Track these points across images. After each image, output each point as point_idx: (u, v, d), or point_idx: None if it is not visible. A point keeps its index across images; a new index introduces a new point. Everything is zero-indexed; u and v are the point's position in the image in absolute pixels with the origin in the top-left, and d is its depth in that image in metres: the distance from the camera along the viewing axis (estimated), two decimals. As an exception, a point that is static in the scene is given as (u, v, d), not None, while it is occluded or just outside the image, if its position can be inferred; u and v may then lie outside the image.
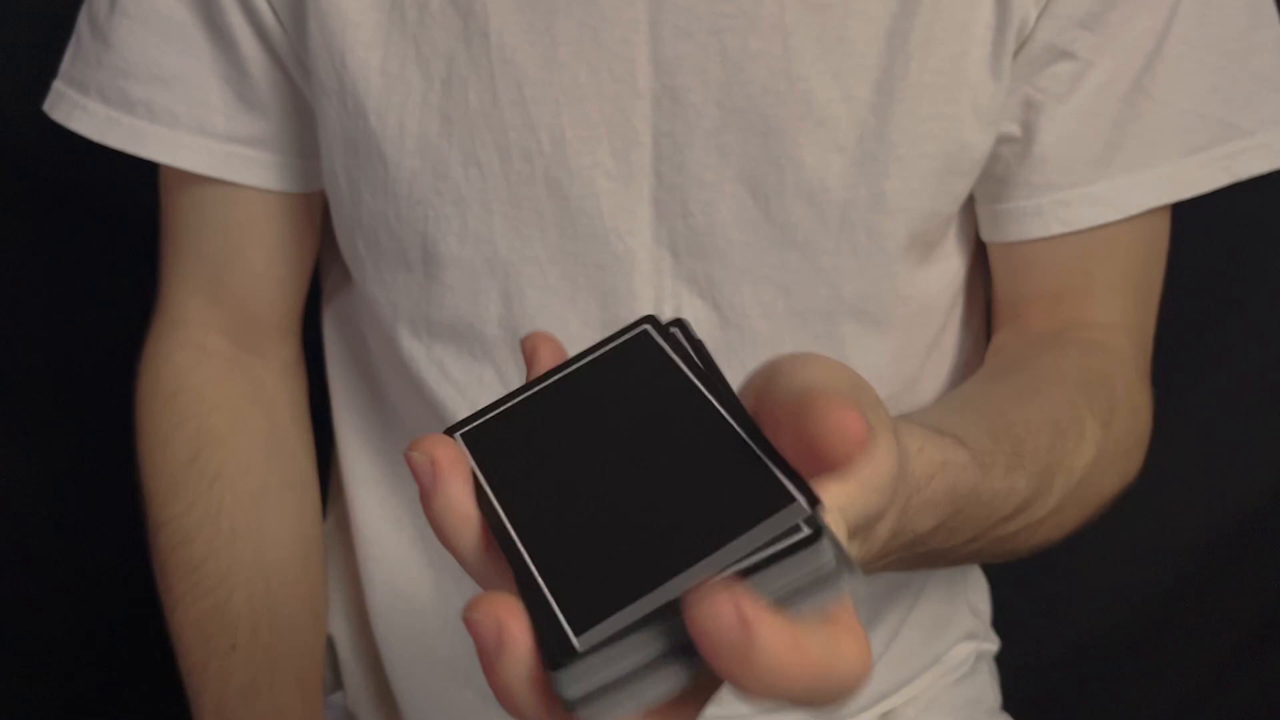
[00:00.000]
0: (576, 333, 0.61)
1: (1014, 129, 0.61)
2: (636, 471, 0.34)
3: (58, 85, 0.67)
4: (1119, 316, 0.64)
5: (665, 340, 0.38)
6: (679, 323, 0.38)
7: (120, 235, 0.89)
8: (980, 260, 0.68)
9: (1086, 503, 0.57)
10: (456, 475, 0.36)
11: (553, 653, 0.31)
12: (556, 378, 0.39)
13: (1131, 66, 0.59)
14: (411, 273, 0.62)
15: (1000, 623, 0.80)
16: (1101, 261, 0.63)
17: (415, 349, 0.64)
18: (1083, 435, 0.56)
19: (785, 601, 0.31)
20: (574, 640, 0.31)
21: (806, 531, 0.30)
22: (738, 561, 0.30)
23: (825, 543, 0.30)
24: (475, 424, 0.39)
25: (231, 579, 0.65)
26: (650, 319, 0.38)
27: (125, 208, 0.83)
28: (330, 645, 0.76)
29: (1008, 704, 0.79)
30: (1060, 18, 0.58)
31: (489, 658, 0.32)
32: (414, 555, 0.71)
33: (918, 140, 0.58)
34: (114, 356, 0.74)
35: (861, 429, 0.32)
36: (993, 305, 0.69)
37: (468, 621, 0.32)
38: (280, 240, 0.68)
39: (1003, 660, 0.80)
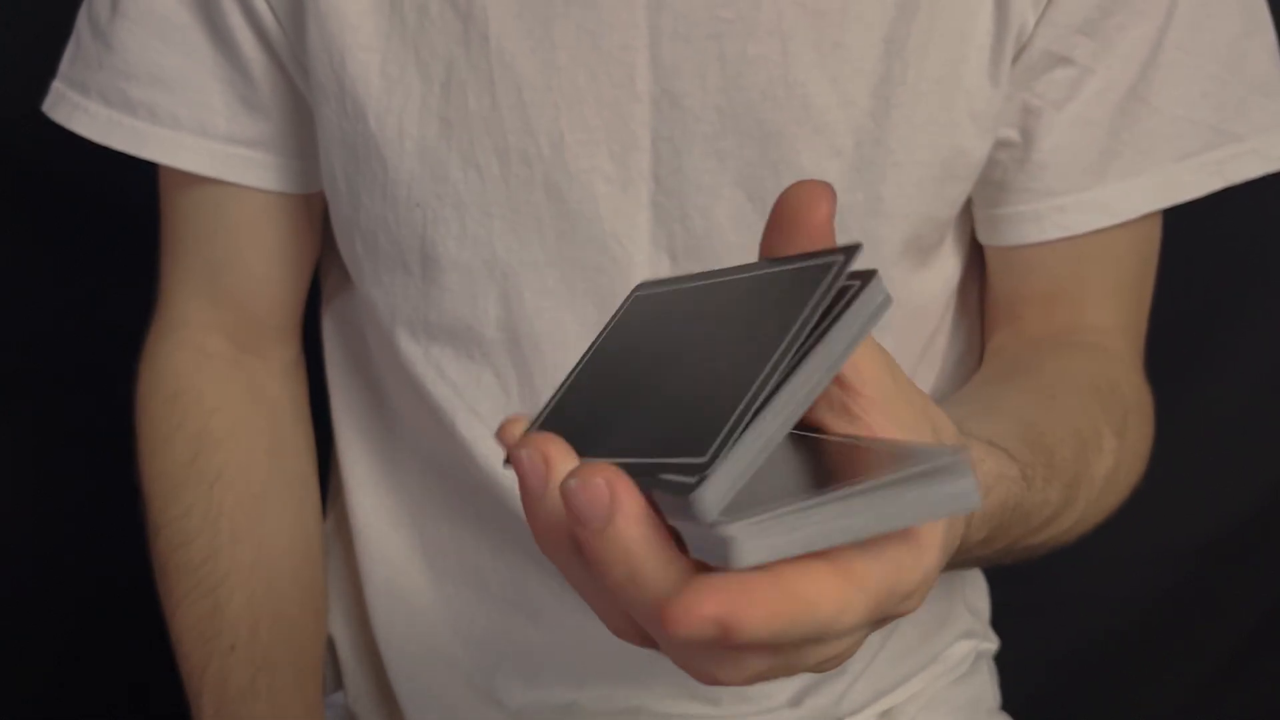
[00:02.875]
0: (574, 335, 0.61)
1: (1013, 135, 0.61)
2: (685, 358, 0.35)
3: (58, 86, 0.67)
4: (1113, 319, 0.65)
5: (837, 290, 0.35)
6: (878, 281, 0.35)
7: (120, 236, 0.89)
8: (973, 261, 0.68)
9: (1102, 510, 0.58)
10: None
11: (684, 472, 0.29)
12: (737, 274, 0.38)
13: (1129, 73, 0.60)
14: (410, 275, 0.62)
15: (1000, 622, 0.80)
16: (1096, 265, 0.64)
17: (413, 351, 0.64)
18: (1101, 446, 0.57)
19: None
20: (699, 458, 0.29)
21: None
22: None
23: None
24: (651, 290, 0.40)
25: (231, 580, 0.65)
26: (848, 268, 0.35)
27: (125, 208, 0.83)
28: (330, 645, 0.76)
29: (1007, 704, 0.79)
30: (1059, 24, 0.58)
31: (598, 524, 0.30)
32: (414, 555, 0.71)
33: (915, 146, 0.58)
34: (114, 357, 0.74)
35: (826, 193, 0.33)
36: (987, 306, 0.69)
37: (564, 491, 0.30)
38: (280, 241, 0.68)
39: (1002, 660, 0.80)
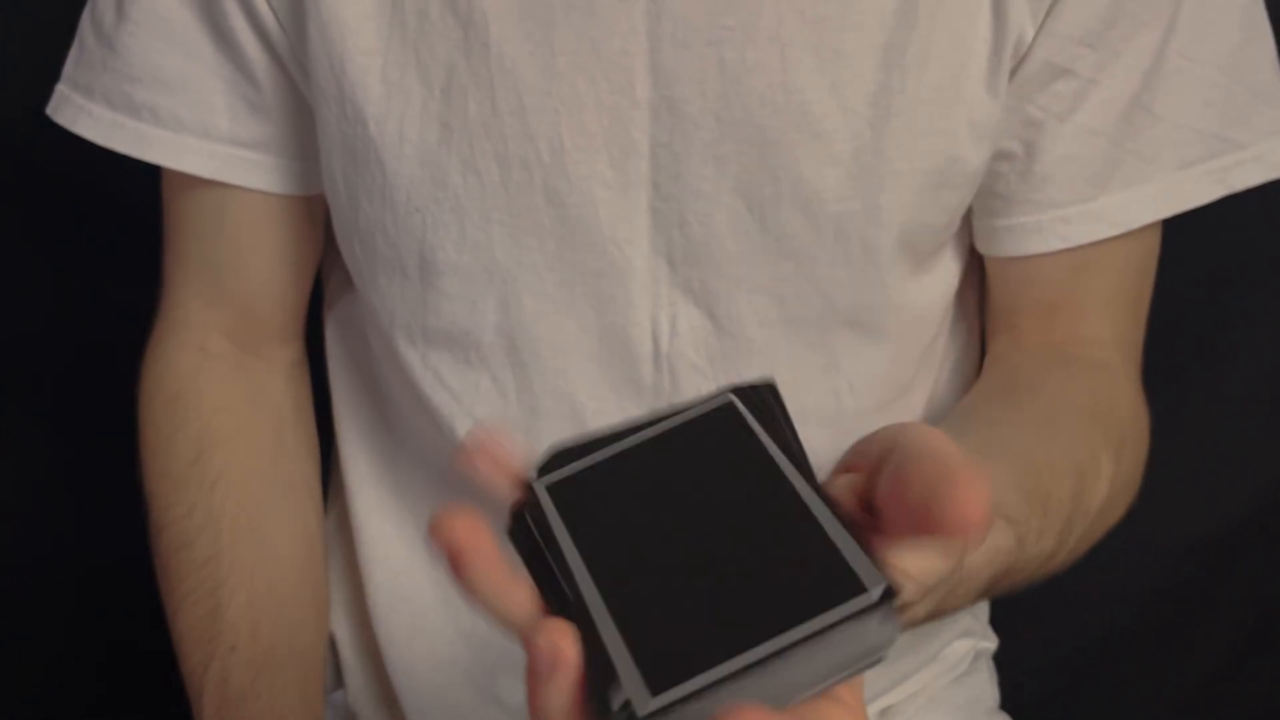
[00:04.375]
0: (574, 340, 0.61)
1: (1015, 147, 0.61)
2: (713, 541, 0.35)
3: (61, 89, 0.67)
4: (1112, 330, 0.65)
5: (749, 408, 0.38)
6: (768, 388, 0.38)
7: (120, 236, 0.89)
8: (972, 268, 0.68)
9: (1095, 536, 0.59)
10: (482, 545, 0.35)
11: (623, 703, 0.31)
12: (638, 438, 0.39)
13: (1132, 82, 0.60)
14: (408, 279, 0.62)
15: (999, 622, 0.80)
16: (1097, 275, 0.64)
17: (411, 355, 0.64)
18: (1099, 475, 0.57)
19: (830, 673, 0.32)
20: (651, 699, 0.31)
21: (878, 612, 0.31)
22: (808, 639, 0.31)
23: (892, 625, 0.31)
24: (556, 475, 0.39)
25: (233, 581, 0.65)
26: (736, 390, 0.38)
27: (125, 208, 0.83)
28: (331, 644, 0.76)
29: (1007, 703, 0.79)
30: (1060, 36, 0.58)
31: (538, 678, 0.33)
32: (415, 555, 0.71)
33: (913, 154, 0.58)
34: (116, 358, 0.74)
35: (984, 514, 0.32)
36: (987, 313, 0.69)
37: (526, 638, 0.33)
38: (282, 243, 0.69)
39: (1002, 659, 0.80)
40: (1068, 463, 0.55)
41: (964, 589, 0.43)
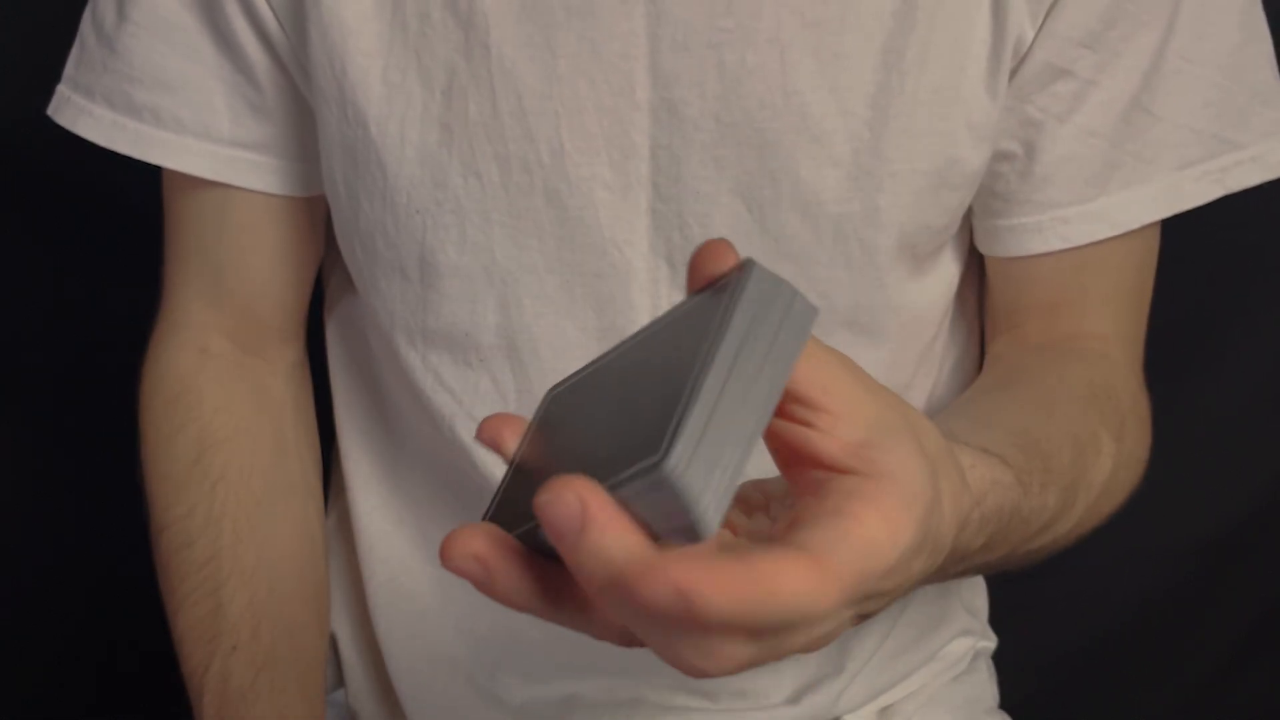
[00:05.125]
0: (574, 341, 0.61)
1: (1015, 147, 0.61)
2: (624, 392, 0.36)
3: (62, 89, 0.67)
4: (1113, 327, 0.65)
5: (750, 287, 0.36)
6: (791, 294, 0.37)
7: (120, 236, 0.89)
8: (971, 268, 0.68)
9: (1100, 514, 0.58)
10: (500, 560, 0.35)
11: (645, 471, 0.31)
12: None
13: (1131, 83, 0.60)
14: (408, 281, 0.62)
15: (999, 621, 0.80)
16: (1097, 274, 0.64)
17: (411, 356, 0.64)
18: (1099, 450, 0.57)
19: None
20: (653, 455, 0.31)
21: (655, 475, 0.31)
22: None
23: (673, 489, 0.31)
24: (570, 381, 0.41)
25: (234, 581, 0.65)
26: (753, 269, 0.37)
27: (125, 208, 0.83)
28: (332, 643, 0.76)
29: (1006, 703, 0.79)
30: (1059, 37, 0.58)
31: (572, 537, 0.31)
32: (415, 555, 0.71)
33: (912, 156, 0.58)
34: (116, 358, 0.74)
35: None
36: (987, 313, 0.69)
37: (539, 508, 0.31)
38: (283, 244, 0.69)
39: (1001, 659, 0.80)
40: (1067, 435, 0.55)
41: (976, 521, 0.43)
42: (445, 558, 0.34)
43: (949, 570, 0.44)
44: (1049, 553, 0.56)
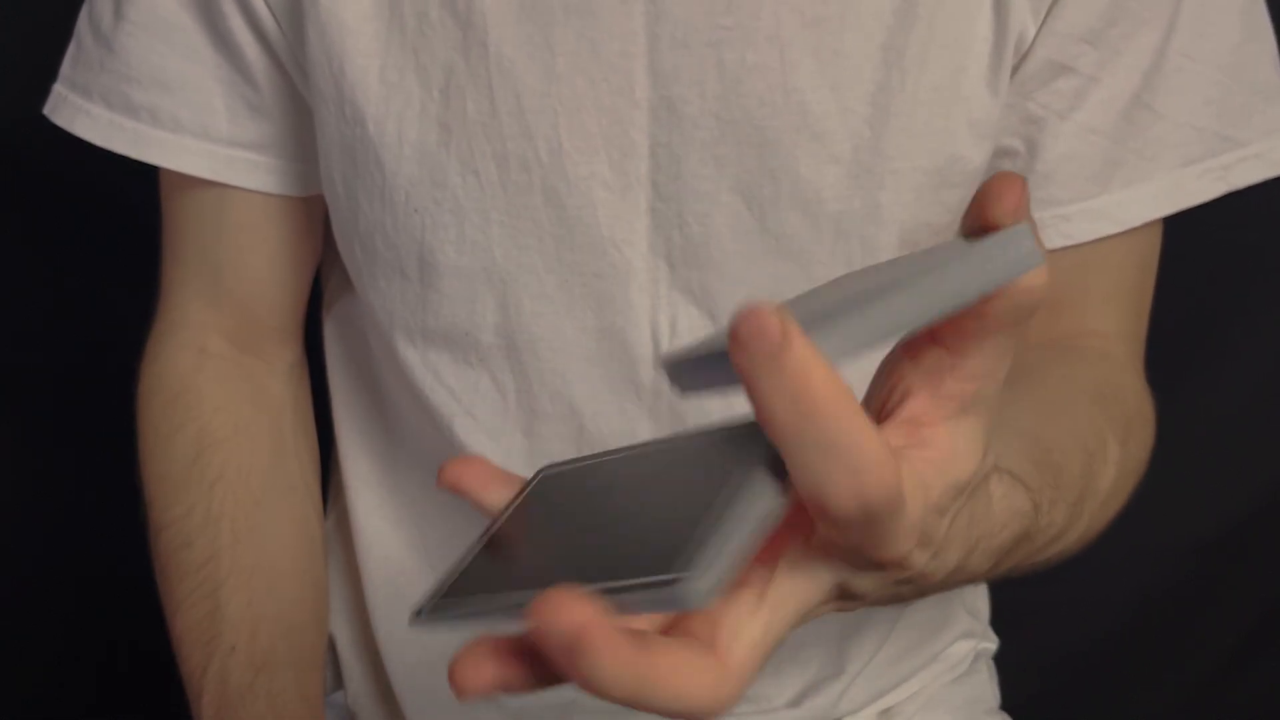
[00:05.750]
0: (573, 340, 0.61)
1: (1016, 144, 0.61)
2: (626, 497, 0.36)
3: (59, 89, 0.67)
4: (1115, 325, 0.65)
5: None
6: None
7: (122, 236, 0.89)
8: None
9: (1105, 519, 0.58)
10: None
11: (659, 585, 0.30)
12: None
13: (1133, 80, 0.60)
14: (407, 280, 0.62)
15: (999, 622, 0.80)
16: (1099, 272, 0.64)
17: (410, 356, 0.64)
18: (1106, 457, 0.56)
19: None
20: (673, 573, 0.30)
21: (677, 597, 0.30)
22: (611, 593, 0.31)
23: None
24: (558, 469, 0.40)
25: (232, 581, 0.65)
26: None
27: (125, 208, 0.83)
28: (331, 644, 0.76)
29: (1007, 703, 0.79)
30: (1061, 34, 0.58)
31: (568, 655, 0.29)
32: (414, 556, 0.71)
33: (912, 153, 0.58)
34: (116, 358, 0.74)
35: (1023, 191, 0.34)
36: None
37: (538, 632, 0.29)
38: (281, 244, 0.69)
39: (1002, 660, 0.80)
40: (1076, 443, 0.55)
41: (983, 548, 0.43)
42: (462, 692, 0.33)
43: (950, 582, 0.44)
44: (1054, 562, 0.56)
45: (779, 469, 0.31)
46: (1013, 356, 0.36)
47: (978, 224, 0.35)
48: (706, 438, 0.36)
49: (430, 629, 0.35)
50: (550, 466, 0.41)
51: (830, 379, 0.29)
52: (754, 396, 0.30)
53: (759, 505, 0.31)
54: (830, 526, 0.32)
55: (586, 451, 0.40)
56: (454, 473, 0.39)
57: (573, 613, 0.29)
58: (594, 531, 0.35)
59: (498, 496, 0.40)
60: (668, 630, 0.34)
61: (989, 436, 0.36)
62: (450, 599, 0.35)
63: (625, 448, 0.39)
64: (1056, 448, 0.53)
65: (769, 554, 0.34)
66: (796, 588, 0.34)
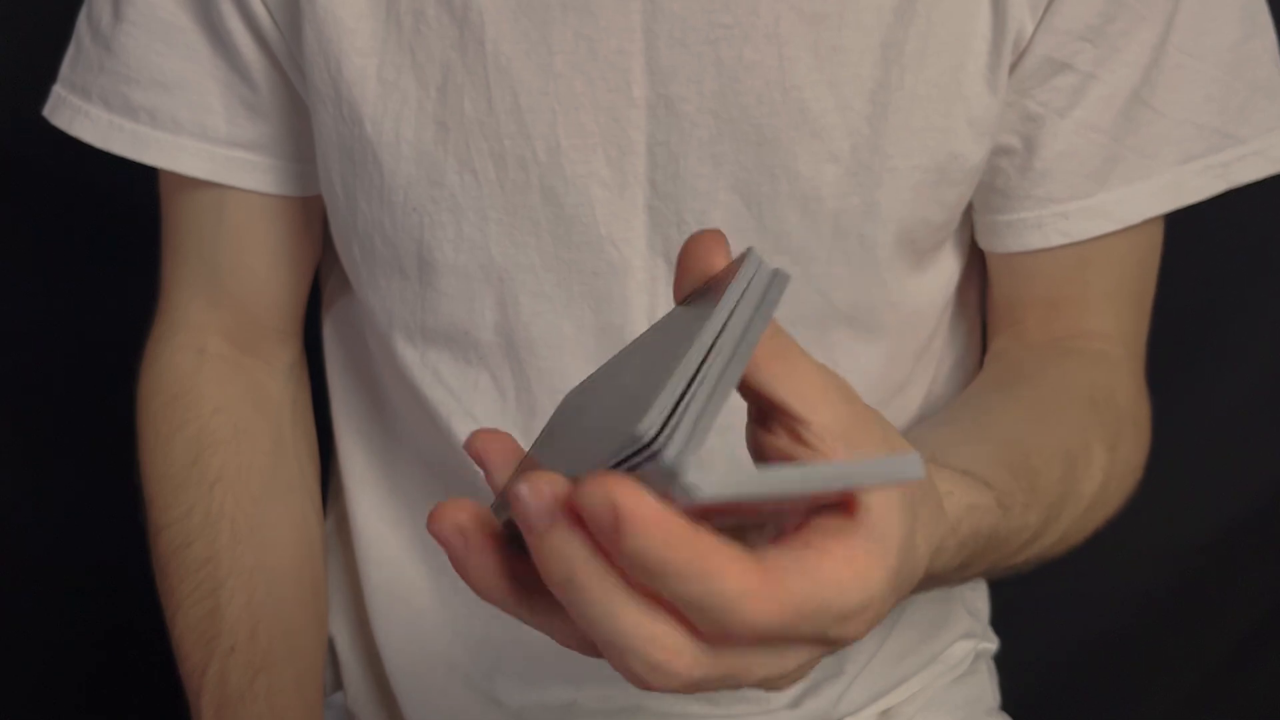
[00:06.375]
0: (571, 338, 0.61)
1: (1014, 142, 0.61)
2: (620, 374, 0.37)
3: (58, 90, 0.67)
4: (1115, 324, 0.65)
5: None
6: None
7: (122, 236, 0.89)
8: (973, 265, 0.68)
9: (1091, 524, 0.58)
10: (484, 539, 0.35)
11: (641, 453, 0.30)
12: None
13: (1132, 77, 0.60)
14: (406, 279, 0.62)
15: (1000, 622, 0.80)
16: (1099, 270, 0.64)
17: (409, 355, 0.64)
18: (1090, 462, 0.56)
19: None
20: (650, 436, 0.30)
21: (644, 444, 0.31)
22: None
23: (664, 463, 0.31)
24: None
25: (232, 582, 0.65)
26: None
27: (125, 208, 0.83)
28: (330, 645, 0.76)
29: (1007, 704, 0.79)
30: (1059, 31, 0.58)
31: (539, 530, 0.30)
32: (413, 557, 0.71)
33: (911, 151, 0.58)
34: (114, 358, 0.74)
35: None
36: (989, 310, 0.69)
37: (513, 498, 0.30)
38: (280, 244, 0.69)
39: (1002, 660, 0.80)
40: (1059, 448, 0.55)
41: (952, 547, 0.43)
42: (432, 521, 0.34)
43: (924, 589, 0.44)
44: (1036, 564, 0.56)
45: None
46: None
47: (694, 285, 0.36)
48: (682, 309, 0.37)
49: None
50: (571, 391, 0.42)
51: (672, 538, 0.29)
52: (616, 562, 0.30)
53: (716, 355, 0.32)
54: None
55: None
56: (481, 443, 0.39)
57: (545, 480, 0.30)
58: (586, 430, 0.36)
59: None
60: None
61: (906, 516, 0.35)
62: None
63: (628, 345, 0.40)
64: (1035, 451, 0.53)
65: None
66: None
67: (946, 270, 0.66)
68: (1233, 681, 1.01)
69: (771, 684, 0.34)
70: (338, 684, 0.77)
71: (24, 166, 0.90)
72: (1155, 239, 0.65)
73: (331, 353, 0.73)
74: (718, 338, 0.33)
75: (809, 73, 0.57)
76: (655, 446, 0.30)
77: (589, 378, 0.41)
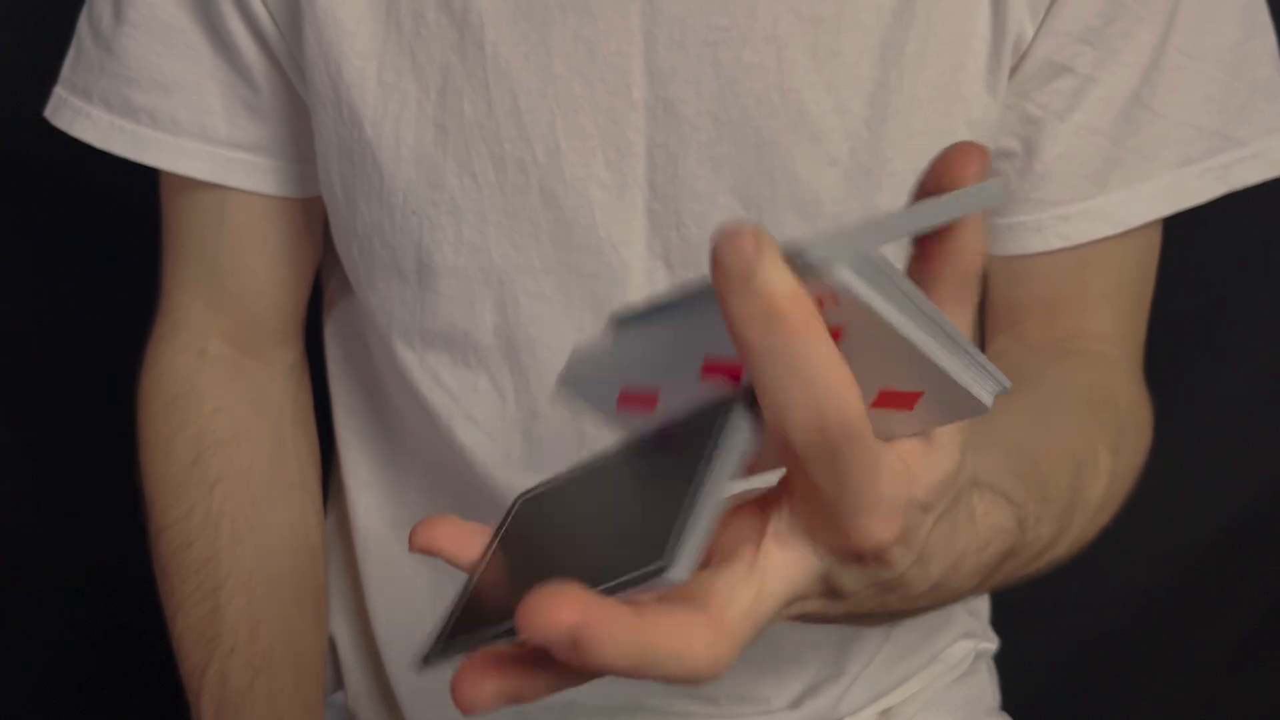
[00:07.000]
0: (571, 340, 0.61)
1: (1014, 145, 0.61)
2: (608, 494, 0.37)
3: (59, 91, 0.67)
4: (1114, 326, 0.65)
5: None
6: None
7: (122, 236, 0.89)
8: None
9: (1096, 528, 0.58)
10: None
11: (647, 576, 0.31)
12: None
13: (1132, 79, 0.59)
14: (405, 282, 0.62)
15: (1000, 622, 0.80)
16: (1098, 272, 0.63)
17: (409, 357, 0.64)
18: (1097, 467, 0.56)
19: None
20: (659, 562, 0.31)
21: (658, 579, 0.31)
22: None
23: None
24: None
25: (232, 582, 0.65)
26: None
27: (125, 208, 0.83)
28: (331, 645, 0.76)
29: (1007, 704, 0.79)
30: (1059, 33, 0.58)
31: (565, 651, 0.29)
32: (414, 557, 0.69)
33: (911, 154, 0.58)
34: (116, 358, 0.74)
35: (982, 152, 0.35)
36: (988, 312, 0.69)
37: (529, 614, 0.29)
38: (281, 245, 0.69)
39: (1002, 660, 0.80)
40: (1065, 452, 0.55)
41: (968, 565, 0.43)
42: (468, 710, 0.33)
43: (939, 603, 0.44)
44: (1045, 572, 0.56)
45: (750, 407, 0.33)
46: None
47: (934, 187, 0.35)
48: (671, 426, 0.36)
49: (440, 668, 0.36)
50: (526, 493, 0.41)
51: (798, 300, 0.30)
52: (727, 314, 0.30)
53: (733, 445, 0.32)
54: (797, 470, 0.33)
55: (586, 453, 0.40)
56: (425, 536, 0.38)
57: (563, 606, 0.29)
58: (577, 543, 0.36)
59: (473, 550, 0.39)
60: (661, 599, 0.34)
61: (965, 445, 0.37)
62: (453, 640, 0.36)
63: (595, 455, 0.39)
64: (1044, 458, 0.53)
65: (756, 531, 0.35)
66: (785, 560, 0.34)
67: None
68: (1233, 681, 1.01)
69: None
70: (338, 684, 0.77)
71: (24, 166, 0.90)
72: (1154, 241, 0.65)
73: (332, 354, 0.73)
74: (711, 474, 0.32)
75: (807, 75, 0.56)
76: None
77: (550, 485, 0.40)
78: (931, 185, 0.35)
